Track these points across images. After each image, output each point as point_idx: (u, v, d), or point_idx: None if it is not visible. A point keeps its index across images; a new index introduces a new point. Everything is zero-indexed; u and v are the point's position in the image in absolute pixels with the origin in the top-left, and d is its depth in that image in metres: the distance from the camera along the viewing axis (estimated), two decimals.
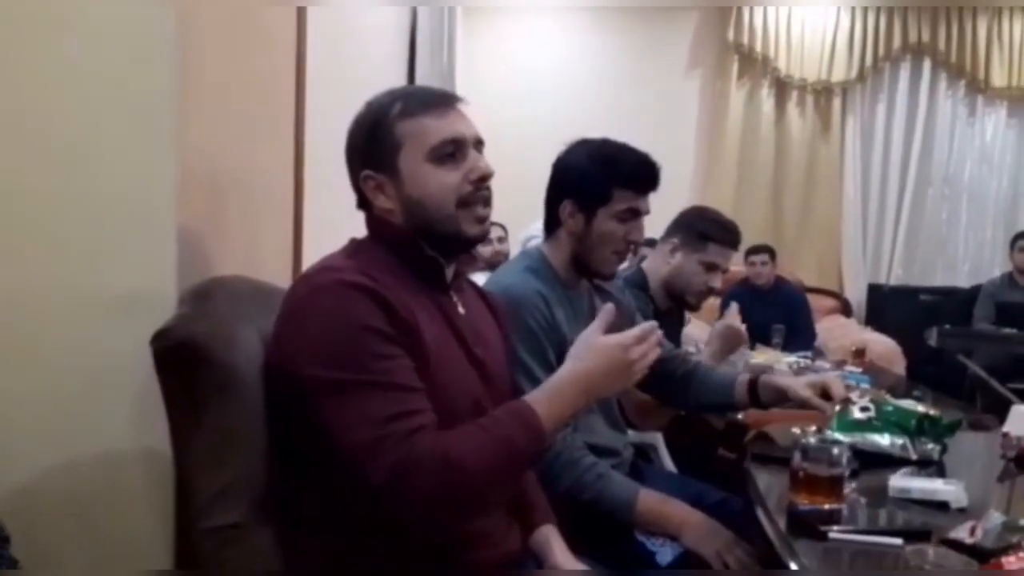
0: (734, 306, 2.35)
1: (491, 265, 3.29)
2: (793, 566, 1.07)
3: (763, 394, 1.76)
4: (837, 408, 1.65)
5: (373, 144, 1.17)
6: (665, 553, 1.46)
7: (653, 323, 1.16)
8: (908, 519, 1.24)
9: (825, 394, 1.68)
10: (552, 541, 1.26)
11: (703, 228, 2.27)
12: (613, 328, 1.74)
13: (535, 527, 1.28)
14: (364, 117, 1.20)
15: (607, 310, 1.17)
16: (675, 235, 2.29)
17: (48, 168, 1.16)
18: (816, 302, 4.97)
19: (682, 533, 1.47)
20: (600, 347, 1.13)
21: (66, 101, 1.15)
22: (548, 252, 1.68)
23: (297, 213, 1.82)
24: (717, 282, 2.29)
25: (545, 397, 1.10)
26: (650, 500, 1.50)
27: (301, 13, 1.83)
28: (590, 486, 1.48)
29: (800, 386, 1.71)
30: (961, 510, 1.26)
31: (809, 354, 3.53)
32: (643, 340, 1.13)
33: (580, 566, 1.23)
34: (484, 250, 4.00)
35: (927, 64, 5.55)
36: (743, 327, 2.33)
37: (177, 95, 1.19)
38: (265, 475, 1.06)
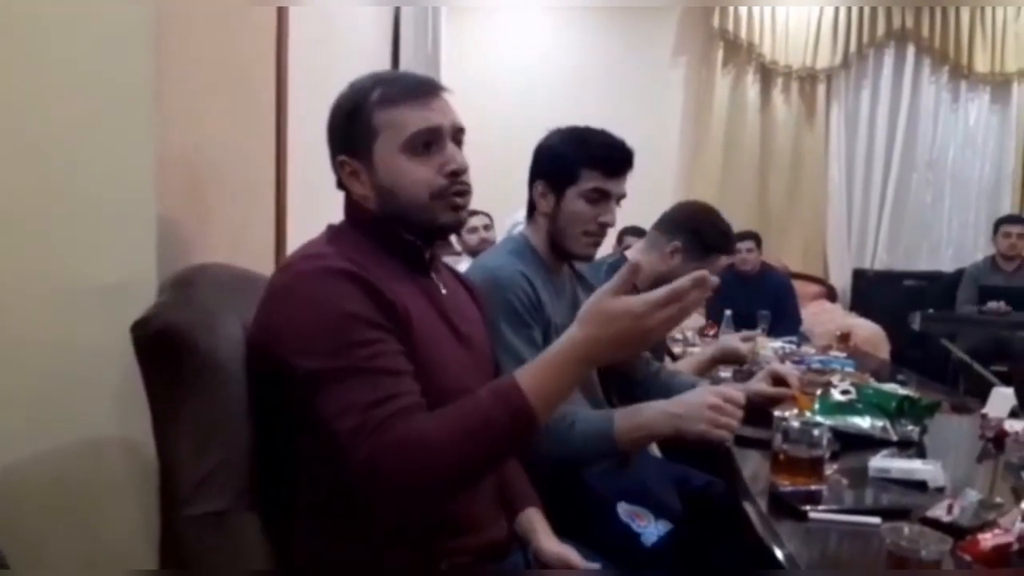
0: (761, 339, 2.29)
1: (477, 254, 3.28)
2: (776, 549, 1.08)
3: None
4: (819, 392, 1.68)
5: (350, 130, 1.17)
6: (650, 534, 1.47)
7: (687, 281, 0.97)
8: (887, 499, 1.26)
9: (779, 380, 1.73)
10: (536, 525, 1.27)
11: (712, 242, 2.25)
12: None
13: (519, 512, 1.29)
14: (345, 100, 1.19)
15: (628, 267, 1.01)
16: (679, 237, 2.23)
17: (26, 159, 1.14)
18: (801, 288, 5.00)
19: (669, 431, 1.45)
20: (614, 313, 0.97)
21: (43, 92, 1.14)
22: (530, 236, 1.71)
23: (279, 201, 1.81)
24: None
25: (536, 371, 1.01)
26: (624, 422, 1.48)
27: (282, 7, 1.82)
28: (566, 438, 1.45)
29: (754, 383, 1.77)
30: (939, 489, 1.28)
31: (794, 339, 3.56)
32: (673, 301, 0.97)
33: (565, 548, 1.23)
34: (470, 238, 4.00)
35: (911, 50, 5.57)
36: (747, 352, 2.35)
37: (154, 84, 1.18)
38: (249, 462, 1.06)
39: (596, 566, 1.21)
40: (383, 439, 0.97)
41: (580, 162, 1.63)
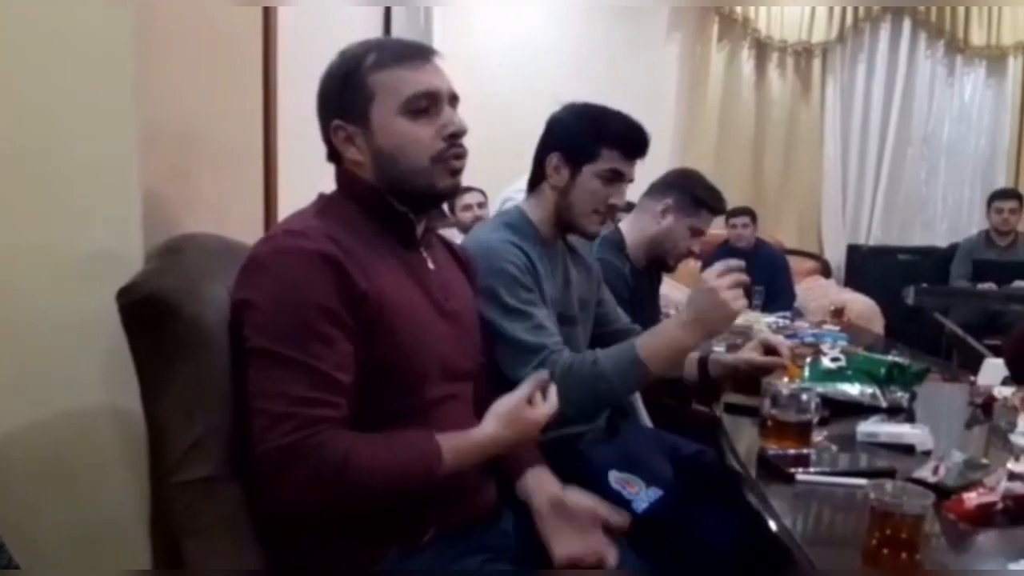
0: (754, 315, 2.29)
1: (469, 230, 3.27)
2: (770, 521, 1.08)
3: (712, 370, 1.80)
4: (808, 360, 1.69)
5: (345, 94, 1.15)
6: (640, 501, 1.48)
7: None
8: (874, 461, 1.27)
9: (770, 350, 1.75)
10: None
11: (700, 195, 2.27)
12: (581, 288, 1.76)
13: (526, 468, 1.27)
14: (337, 67, 1.18)
15: (537, 379, 1.15)
16: (668, 196, 2.27)
17: (9, 129, 1.14)
18: (796, 264, 5.01)
19: (698, 337, 1.45)
20: (523, 420, 1.12)
21: (24, 59, 1.13)
22: (529, 208, 1.69)
23: (268, 173, 1.80)
24: (697, 247, 2.35)
25: (458, 445, 1.09)
26: (649, 345, 1.47)
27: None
28: (595, 373, 1.45)
29: (744, 353, 1.79)
30: (927, 453, 1.29)
31: (789, 315, 3.57)
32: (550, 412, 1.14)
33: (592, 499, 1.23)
34: (464, 216, 4.00)
35: (906, 24, 5.54)
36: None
37: (138, 55, 1.16)
38: (235, 428, 1.06)
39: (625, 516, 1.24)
40: (308, 439, 0.98)
41: (603, 141, 1.62)
